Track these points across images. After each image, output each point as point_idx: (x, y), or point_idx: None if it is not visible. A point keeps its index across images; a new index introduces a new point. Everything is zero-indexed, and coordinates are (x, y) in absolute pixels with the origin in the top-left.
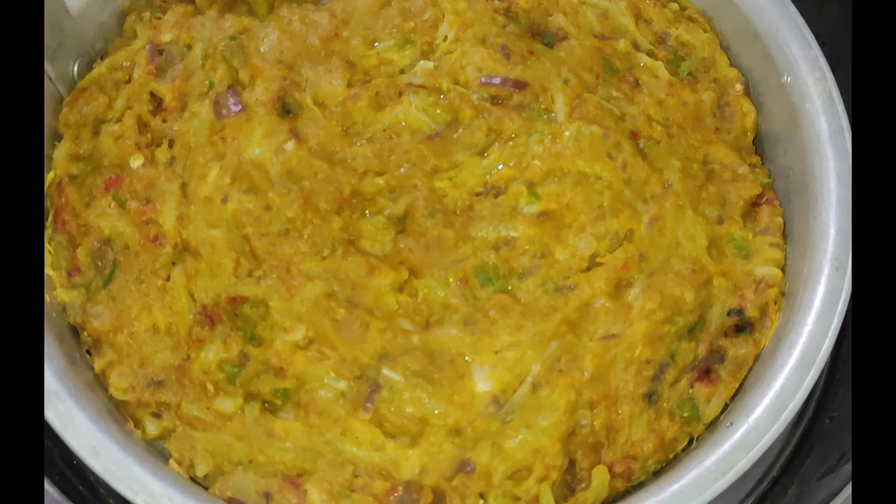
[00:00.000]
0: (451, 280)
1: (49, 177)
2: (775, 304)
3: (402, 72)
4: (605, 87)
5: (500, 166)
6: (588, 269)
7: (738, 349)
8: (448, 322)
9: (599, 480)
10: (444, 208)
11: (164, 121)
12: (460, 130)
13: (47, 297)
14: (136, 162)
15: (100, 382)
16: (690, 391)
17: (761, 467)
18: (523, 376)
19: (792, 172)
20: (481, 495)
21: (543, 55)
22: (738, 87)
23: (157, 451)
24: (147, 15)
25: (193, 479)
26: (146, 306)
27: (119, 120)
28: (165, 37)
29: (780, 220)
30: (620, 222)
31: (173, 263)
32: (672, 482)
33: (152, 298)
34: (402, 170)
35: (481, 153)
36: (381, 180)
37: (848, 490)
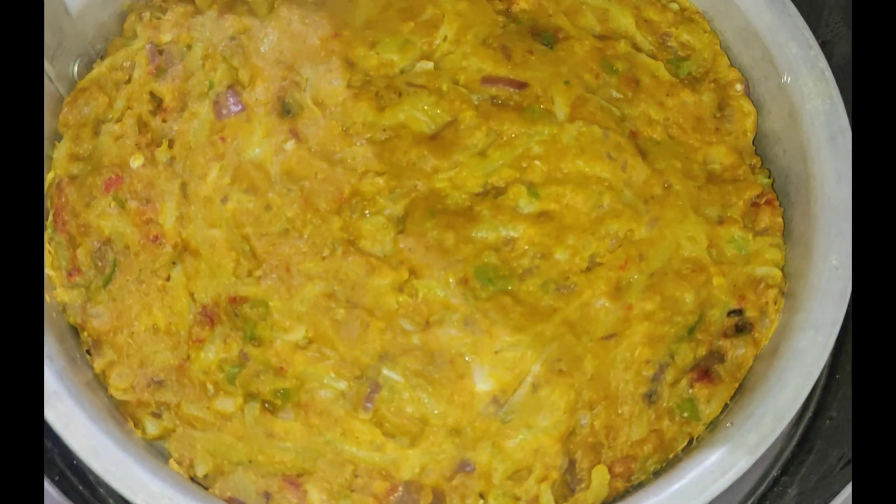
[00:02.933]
0: (451, 280)
1: (49, 177)
2: (775, 304)
3: (402, 72)
4: (606, 87)
5: (500, 166)
6: (588, 269)
7: (738, 349)
8: (448, 322)
9: (599, 480)
10: (444, 208)
11: (164, 121)
12: (460, 130)
13: (47, 297)
14: (136, 162)
15: (100, 382)
16: (690, 391)
17: (761, 467)
18: (523, 376)
19: (792, 172)
20: (481, 495)
21: (543, 55)
22: (738, 87)
23: (157, 451)
24: (147, 15)
25: (193, 479)
26: (146, 306)
27: (119, 120)
28: (165, 37)
29: (780, 220)
30: (620, 223)
31: (173, 263)
32: (672, 482)
33: (152, 298)
34: (402, 170)
35: (481, 153)
36: (381, 180)
37: (848, 490)
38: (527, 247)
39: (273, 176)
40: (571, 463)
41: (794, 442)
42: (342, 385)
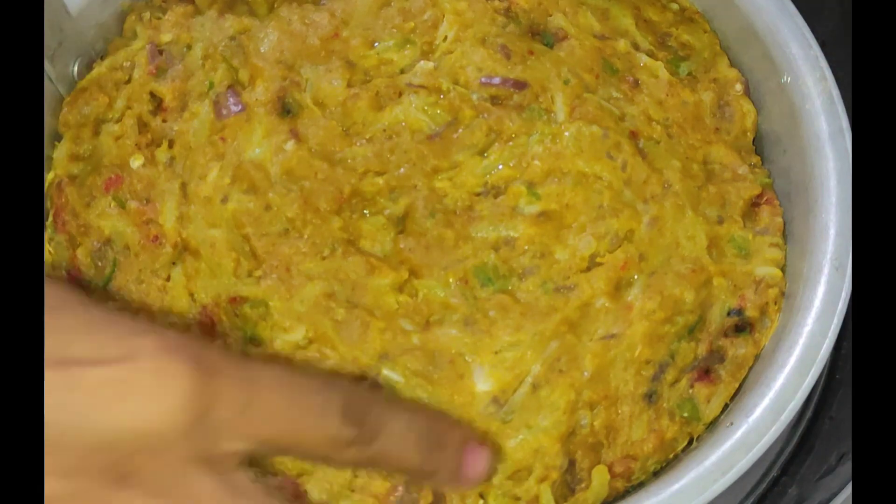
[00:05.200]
0: (451, 280)
1: (49, 177)
2: (775, 304)
3: (402, 72)
4: (605, 87)
5: (500, 166)
6: (588, 269)
7: (738, 349)
8: (448, 322)
9: (599, 480)
10: (444, 208)
11: (164, 121)
12: (460, 130)
13: None
14: (136, 162)
15: None
16: (690, 391)
17: (761, 467)
18: (523, 376)
19: (792, 172)
20: (481, 495)
21: (543, 55)
22: (738, 87)
23: None
24: (147, 15)
25: None
26: (146, 306)
27: (119, 120)
28: (165, 37)
29: (780, 220)
30: (620, 222)
31: (173, 263)
32: (672, 482)
33: (152, 299)
34: (402, 170)
35: (481, 153)
36: (381, 180)
37: (848, 490)
38: (527, 246)
39: (273, 176)
40: (571, 463)
41: (794, 442)
42: None
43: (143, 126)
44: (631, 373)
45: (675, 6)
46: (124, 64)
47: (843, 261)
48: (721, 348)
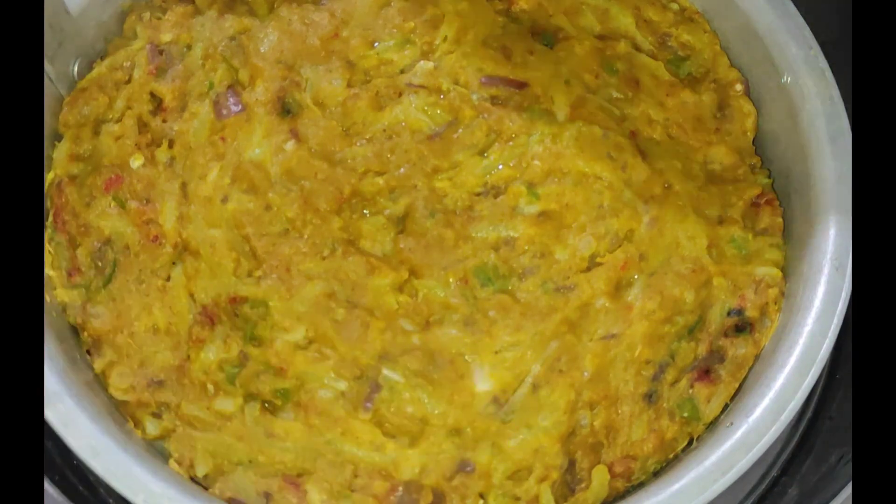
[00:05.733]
0: (451, 280)
1: (49, 177)
2: (775, 304)
3: (402, 72)
4: (606, 87)
5: (500, 166)
6: (588, 269)
7: (738, 349)
8: (448, 322)
9: (599, 480)
10: (444, 208)
11: (164, 121)
12: (460, 130)
13: (47, 297)
14: (136, 162)
15: (100, 382)
16: (690, 391)
17: (761, 467)
18: (523, 376)
19: (792, 172)
20: (481, 495)
21: (543, 55)
22: (738, 87)
23: (157, 451)
24: (147, 15)
25: (193, 479)
26: (146, 306)
27: (119, 120)
28: (165, 37)
29: (780, 220)
30: (620, 222)
31: (173, 263)
32: (672, 482)
33: (152, 298)
34: (402, 170)
35: (481, 153)
36: (381, 180)
37: (848, 490)
38: (527, 246)
39: (273, 176)
40: (571, 463)
41: (794, 442)
42: (342, 385)
43: (143, 126)
44: (631, 373)
45: (675, 6)
46: (124, 64)
47: (843, 261)
48: (721, 348)
